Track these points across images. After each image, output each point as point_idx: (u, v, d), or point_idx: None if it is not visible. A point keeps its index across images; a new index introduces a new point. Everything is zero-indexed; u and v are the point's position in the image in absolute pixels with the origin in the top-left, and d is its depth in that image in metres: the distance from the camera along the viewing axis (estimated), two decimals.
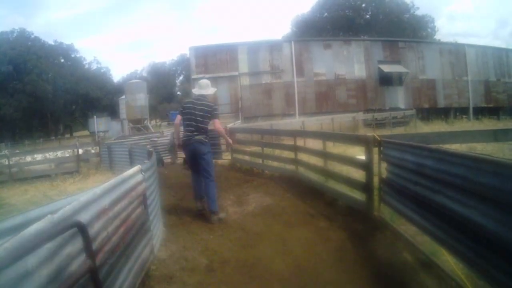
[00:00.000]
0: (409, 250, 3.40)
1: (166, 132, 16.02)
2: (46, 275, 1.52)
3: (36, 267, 1.46)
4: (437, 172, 2.81)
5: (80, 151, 11.89)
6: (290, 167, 7.42)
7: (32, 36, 41.72)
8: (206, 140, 4.84)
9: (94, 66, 48.89)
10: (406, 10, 45.18)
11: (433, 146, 3.18)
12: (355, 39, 29.79)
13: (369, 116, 21.54)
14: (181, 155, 12.48)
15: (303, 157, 6.86)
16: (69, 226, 1.66)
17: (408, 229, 3.64)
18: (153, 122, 45.33)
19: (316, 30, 43.79)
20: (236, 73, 25.36)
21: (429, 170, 2.95)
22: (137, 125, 30.35)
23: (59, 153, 12.01)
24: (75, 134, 47.99)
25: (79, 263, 1.77)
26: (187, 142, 4.78)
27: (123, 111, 34.44)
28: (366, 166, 4.39)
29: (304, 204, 5.47)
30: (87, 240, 1.77)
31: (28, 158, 11.23)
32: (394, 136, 5.07)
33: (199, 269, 3.54)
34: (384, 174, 4.07)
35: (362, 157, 4.69)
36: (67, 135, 46.09)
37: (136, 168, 3.30)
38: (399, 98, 27.42)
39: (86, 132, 42.75)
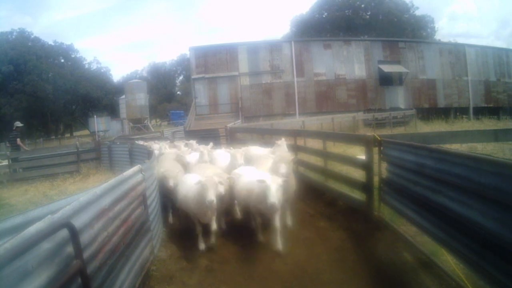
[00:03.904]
0: (409, 250, 3.40)
1: (166, 133, 15.97)
2: (44, 274, 1.52)
3: (35, 266, 1.46)
4: (438, 172, 2.81)
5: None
6: None
7: (32, 36, 41.69)
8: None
9: (94, 66, 48.77)
10: (405, 10, 45.03)
11: (433, 146, 3.18)
12: (355, 39, 29.64)
13: (369, 116, 21.50)
14: None
15: (303, 156, 6.84)
16: (59, 227, 1.66)
17: (408, 229, 3.64)
18: (153, 122, 45.28)
19: (316, 30, 43.67)
20: (236, 73, 25.32)
21: (429, 170, 2.95)
22: (137, 124, 30.41)
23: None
24: (76, 133, 47.99)
25: (72, 263, 1.77)
26: None
27: (123, 111, 34.52)
28: (366, 166, 4.38)
29: (304, 204, 5.47)
30: (77, 241, 1.77)
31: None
32: (394, 136, 5.05)
33: (199, 269, 3.54)
34: (384, 174, 4.07)
35: (362, 157, 4.68)
36: (67, 135, 46.04)
37: (136, 168, 3.30)
38: (399, 98, 27.38)
39: (86, 132, 42.69)
